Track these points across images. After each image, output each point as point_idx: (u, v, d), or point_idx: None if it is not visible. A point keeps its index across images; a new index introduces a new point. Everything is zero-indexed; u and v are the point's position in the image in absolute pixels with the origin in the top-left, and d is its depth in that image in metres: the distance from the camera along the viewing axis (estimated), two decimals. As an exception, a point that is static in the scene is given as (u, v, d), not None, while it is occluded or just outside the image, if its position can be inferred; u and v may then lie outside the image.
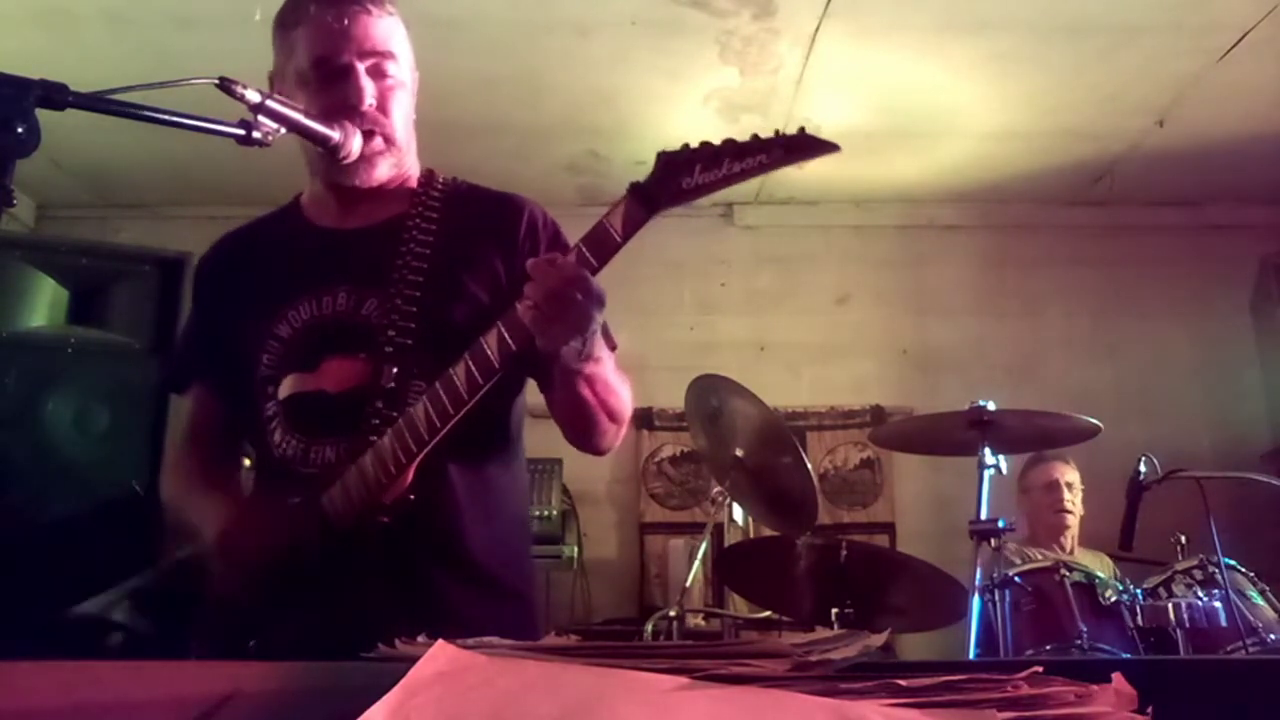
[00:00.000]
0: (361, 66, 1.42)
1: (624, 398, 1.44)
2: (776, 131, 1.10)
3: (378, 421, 1.36)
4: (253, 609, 1.34)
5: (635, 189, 1.19)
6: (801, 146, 1.10)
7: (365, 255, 1.47)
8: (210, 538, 1.40)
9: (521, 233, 1.51)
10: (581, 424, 1.44)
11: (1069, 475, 3.48)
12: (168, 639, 1.45)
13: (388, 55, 1.45)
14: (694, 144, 1.15)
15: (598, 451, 1.50)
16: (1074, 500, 3.48)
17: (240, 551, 1.37)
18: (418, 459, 1.32)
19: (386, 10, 1.47)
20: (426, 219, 1.49)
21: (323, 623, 1.26)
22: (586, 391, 1.37)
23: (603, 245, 1.21)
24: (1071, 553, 3.41)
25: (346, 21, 1.41)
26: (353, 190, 1.47)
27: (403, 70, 1.48)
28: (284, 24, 1.48)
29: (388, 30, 1.46)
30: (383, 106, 1.44)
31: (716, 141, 1.14)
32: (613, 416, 1.44)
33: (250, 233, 1.64)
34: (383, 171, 1.47)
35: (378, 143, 1.44)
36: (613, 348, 1.52)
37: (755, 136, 1.12)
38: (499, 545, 1.48)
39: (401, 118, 1.48)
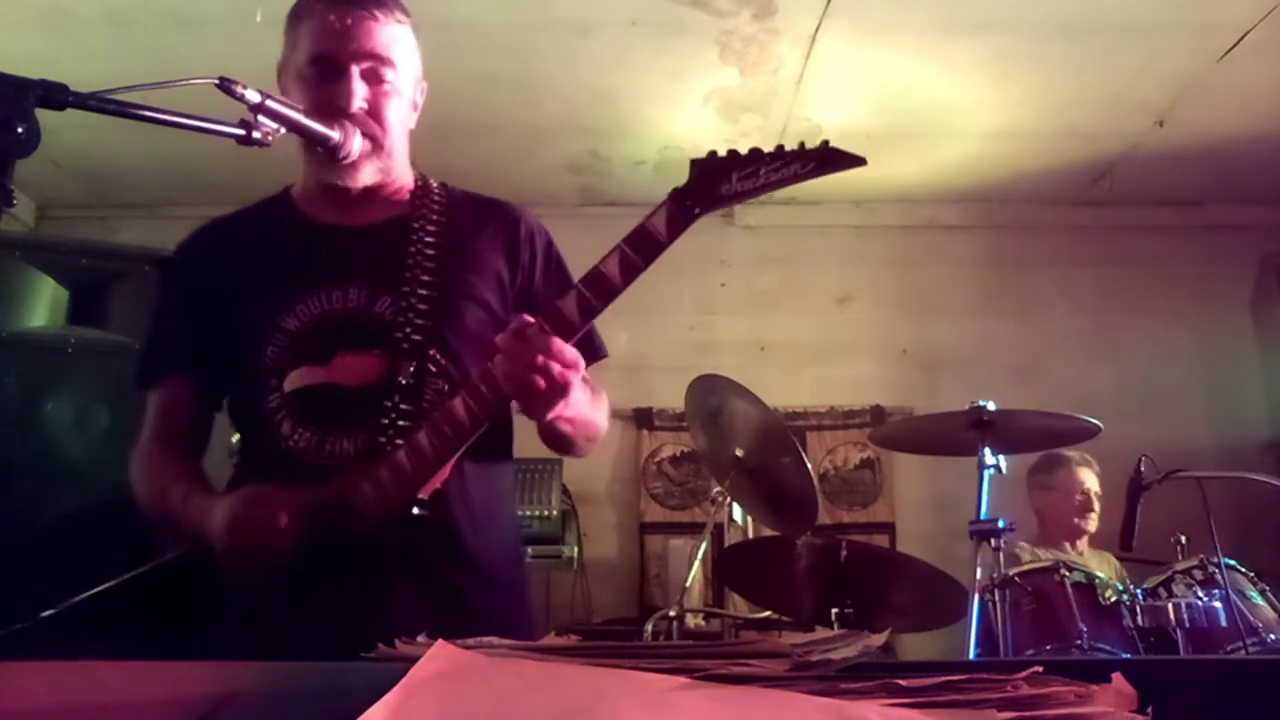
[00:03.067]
0: (357, 69, 1.42)
1: (600, 420, 1.52)
2: (801, 144, 1.14)
3: (395, 417, 1.37)
4: (268, 599, 1.32)
5: (677, 194, 1.21)
6: (833, 160, 1.15)
7: (374, 254, 1.47)
8: (218, 531, 1.32)
9: (520, 239, 1.55)
10: (561, 447, 1.51)
11: (1097, 485, 3.49)
12: (163, 638, 1.45)
13: (386, 62, 1.44)
14: (721, 153, 1.18)
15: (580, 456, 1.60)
16: (1098, 509, 3.49)
17: (255, 542, 1.29)
18: (458, 453, 1.33)
19: (395, 18, 1.47)
20: (430, 221, 1.50)
21: (340, 614, 1.25)
22: (566, 428, 1.42)
23: (648, 246, 1.23)
24: (1081, 553, 3.44)
25: (349, 22, 1.42)
26: (345, 190, 1.46)
27: (401, 79, 1.47)
28: (294, 17, 1.49)
29: (391, 37, 1.46)
30: (374, 111, 1.44)
31: (742, 150, 1.17)
32: (590, 439, 1.52)
33: (238, 223, 1.60)
34: (367, 175, 1.46)
35: (364, 144, 1.43)
36: (602, 356, 1.55)
37: (780, 147, 1.16)
38: (501, 540, 1.53)
39: (394, 124, 1.47)
